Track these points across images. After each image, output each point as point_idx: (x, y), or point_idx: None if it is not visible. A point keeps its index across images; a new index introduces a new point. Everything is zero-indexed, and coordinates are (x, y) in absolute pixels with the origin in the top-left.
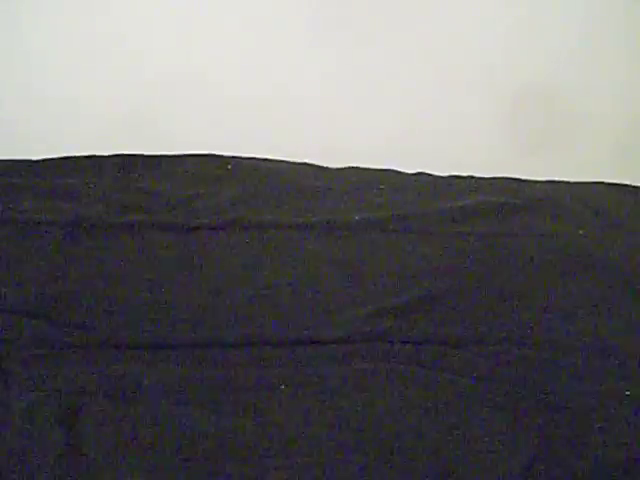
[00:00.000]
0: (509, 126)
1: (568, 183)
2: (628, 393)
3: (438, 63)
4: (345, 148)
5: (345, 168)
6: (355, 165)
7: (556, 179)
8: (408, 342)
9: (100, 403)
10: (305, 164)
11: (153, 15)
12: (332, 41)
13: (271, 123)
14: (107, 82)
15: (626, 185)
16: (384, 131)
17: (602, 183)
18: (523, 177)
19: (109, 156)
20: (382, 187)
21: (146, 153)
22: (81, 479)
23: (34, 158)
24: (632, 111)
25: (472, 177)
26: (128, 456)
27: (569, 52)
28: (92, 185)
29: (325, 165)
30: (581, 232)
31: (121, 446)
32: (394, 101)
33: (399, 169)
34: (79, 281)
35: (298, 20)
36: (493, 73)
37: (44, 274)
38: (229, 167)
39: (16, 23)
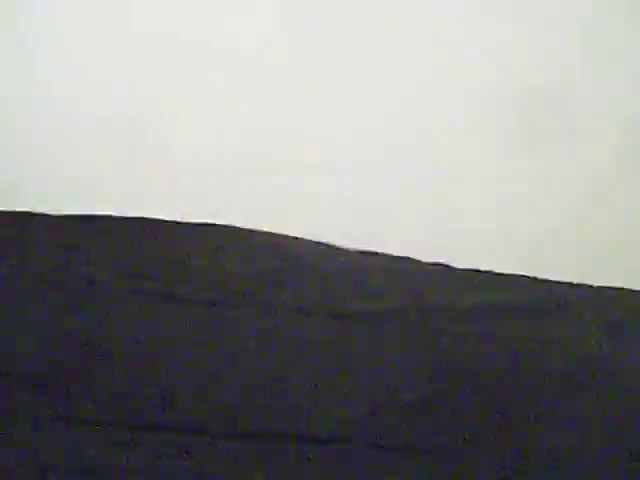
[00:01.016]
0: (510, 126)
1: (585, 286)
2: None
3: (438, 63)
4: (345, 149)
5: (366, 252)
6: (374, 250)
7: (578, 282)
8: (393, 449)
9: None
10: (321, 244)
11: (154, 17)
12: (332, 42)
13: (267, 131)
14: (105, 90)
15: None
16: (384, 131)
17: (621, 289)
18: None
19: (128, 218)
20: (398, 276)
21: (166, 218)
22: None
23: (52, 213)
24: (632, 111)
25: (490, 272)
26: None
27: (570, 52)
28: (106, 248)
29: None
30: (600, 343)
31: None
32: (394, 101)
33: (416, 258)
34: (77, 350)
35: (301, 25)
36: (493, 73)
37: (45, 339)
38: (251, 243)
39: (9, 31)
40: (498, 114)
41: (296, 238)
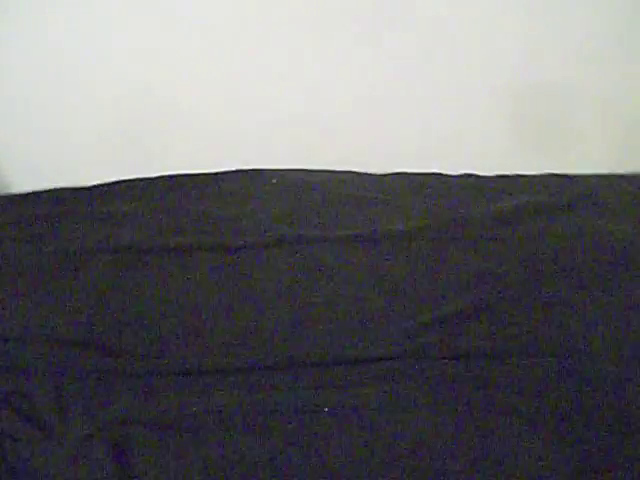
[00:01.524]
0: (511, 125)
1: (613, 175)
2: None
3: (439, 63)
4: (351, 150)
5: (389, 174)
6: (398, 170)
7: (602, 172)
8: (449, 358)
9: (151, 434)
10: (347, 172)
11: (154, 24)
12: (335, 41)
13: (277, 131)
14: (106, 100)
15: None
16: (387, 131)
17: None
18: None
19: (153, 178)
20: (426, 192)
21: (190, 172)
22: None
23: (85, 185)
24: (633, 111)
25: (518, 176)
26: None
27: (571, 52)
28: (138, 210)
29: (365, 171)
30: (628, 229)
31: (173, 475)
32: (395, 101)
33: (443, 172)
34: (127, 309)
35: (302, 23)
36: (495, 73)
37: (95, 303)
38: (274, 181)
39: (8, 45)
40: (500, 113)
41: (318, 171)
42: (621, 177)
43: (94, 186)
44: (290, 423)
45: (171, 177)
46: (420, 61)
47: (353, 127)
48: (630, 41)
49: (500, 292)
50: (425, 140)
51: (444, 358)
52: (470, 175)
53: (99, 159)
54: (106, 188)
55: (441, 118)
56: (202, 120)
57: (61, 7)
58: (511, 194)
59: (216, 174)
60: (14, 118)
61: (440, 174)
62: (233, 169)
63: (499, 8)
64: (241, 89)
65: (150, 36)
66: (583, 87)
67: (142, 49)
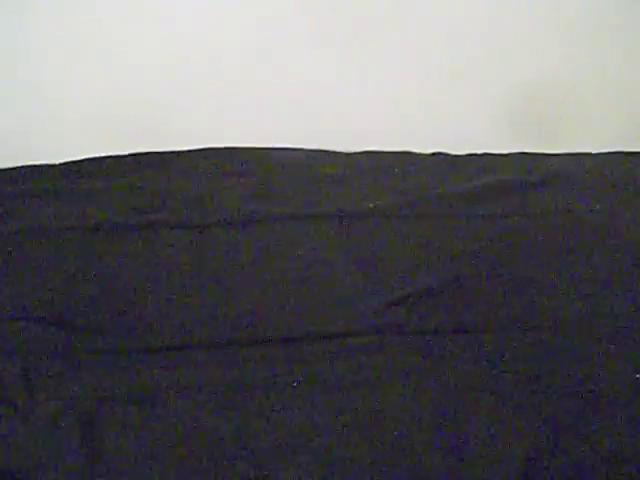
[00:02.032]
0: (510, 125)
1: (584, 154)
2: (639, 376)
3: (439, 62)
4: (349, 140)
5: (359, 152)
6: (370, 149)
7: (572, 151)
8: (419, 333)
9: (120, 408)
10: (319, 151)
11: (156, 11)
12: (335, 39)
13: (276, 113)
14: (106, 79)
15: None
16: (385, 131)
17: (620, 152)
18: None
19: (124, 156)
20: (397, 171)
21: (160, 150)
22: None
23: (53, 162)
24: (633, 111)
25: (488, 154)
26: (148, 460)
27: (570, 52)
28: (108, 187)
29: (339, 150)
30: (597, 207)
31: (141, 450)
32: (393, 100)
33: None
34: (98, 286)
35: (303, 11)
36: (494, 72)
37: (63, 280)
38: (244, 160)
39: (15, 23)
40: (498, 114)
41: (289, 148)
42: (591, 156)
43: (63, 163)
44: (259, 398)
45: (141, 155)
46: (420, 61)
47: (350, 127)
48: (630, 41)
49: (471, 269)
50: (425, 140)
51: (414, 334)
52: (441, 154)
53: (98, 137)
54: (75, 165)
55: (441, 118)
56: (203, 103)
57: None
58: (482, 172)
59: (186, 152)
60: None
61: (410, 152)
62: (203, 147)
63: (499, 8)
64: (241, 74)
65: (150, 33)
66: (583, 87)
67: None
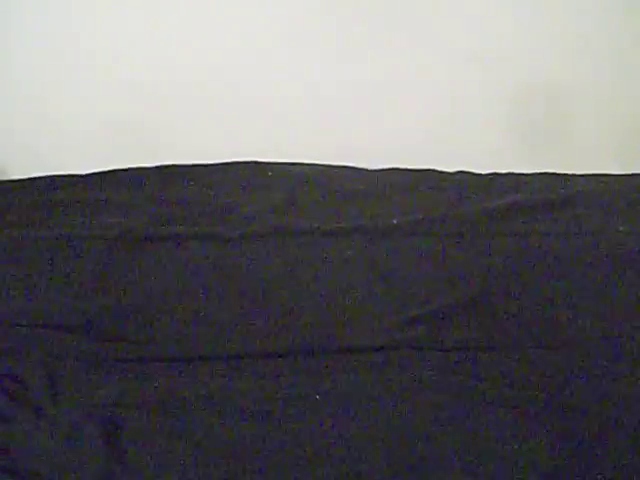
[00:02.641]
0: (510, 125)
1: (607, 176)
2: None
3: (439, 63)
4: (352, 149)
5: (384, 169)
6: (394, 166)
7: (597, 172)
8: (439, 350)
9: (142, 416)
10: (343, 167)
11: (155, 20)
12: (341, 45)
13: (287, 126)
14: (107, 91)
15: None
16: (387, 131)
17: None
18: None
19: (149, 168)
20: (420, 188)
21: (187, 163)
22: None
23: (80, 173)
24: (632, 111)
25: (512, 174)
26: (169, 468)
27: (570, 52)
28: (133, 198)
29: (363, 167)
30: (621, 229)
31: (162, 458)
32: (395, 101)
33: (439, 169)
34: (121, 295)
35: (311, 21)
36: (495, 73)
37: (88, 289)
38: (270, 174)
39: (12, 33)
40: (499, 114)
41: (313, 164)
42: (614, 178)
43: (89, 174)
44: (279, 410)
45: (167, 167)
46: (419, 61)
47: (352, 125)
48: (630, 41)
49: (491, 287)
50: (424, 140)
51: (433, 350)
52: (464, 172)
53: (99, 150)
54: (101, 176)
55: (441, 118)
56: (203, 113)
57: None
58: (505, 192)
59: (212, 165)
60: (15, 105)
61: (435, 170)
62: (229, 161)
63: (499, 8)
64: (243, 84)
65: (150, 45)
66: (583, 87)
67: (143, 42)
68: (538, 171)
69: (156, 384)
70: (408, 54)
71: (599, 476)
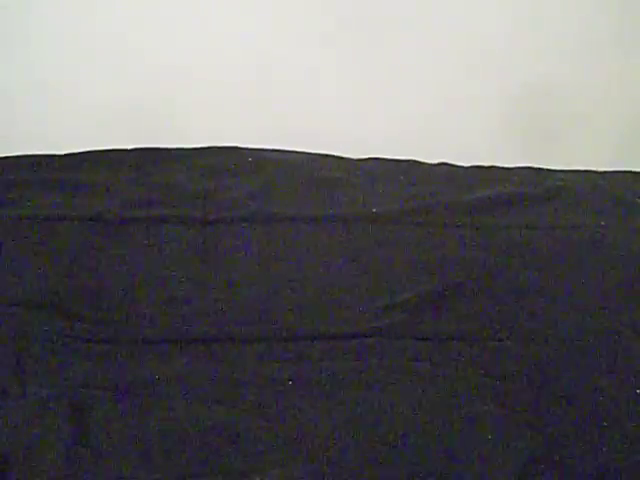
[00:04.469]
0: (509, 125)
1: (590, 172)
2: (639, 391)
3: (439, 63)
4: (352, 144)
5: (365, 159)
6: (376, 156)
7: (579, 168)
8: (417, 338)
9: (110, 398)
10: (325, 155)
11: (156, 8)
12: (341, 40)
13: (280, 116)
14: (108, 77)
15: None
16: (384, 131)
17: (627, 172)
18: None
19: (129, 150)
20: (402, 178)
21: (165, 146)
22: (89, 471)
23: (56, 153)
24: (632, 111)
25: (494, 167)
26: (136, 449)
27: (570, 52)
28: (111, 180)
29: (345, 156)
30: (603, 223)
31: (129, 439)
32: (394, 100)
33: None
34: (95, 276)
35: (309, 13)
36: (495, 73)
37: (61, 269)
38: (249, 160)
39: (20, 21)
40: (499, 113)
41: (296, 151)
42: (596, 174)
43: (67, 154)
44: (253, 394)
45: (146, 150)
46: (419, 61)
47: (348, 124)
48: (630, 41)
49: (470, 277)
50: (424, 139)
51: (411, 338)
52: (446, 164)
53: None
54: (78, 157)
55: (441, 118)
56: (202, 99)
57: None
58: (486, 184)
59: (192, 149)
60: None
61: (416, 161)
62: (208, 145)
63: (499, 8)
64: (239, 74)
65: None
66: (583, 87)
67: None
68: (521, 165)
69: (126, 366)
70: (408, 53)
71: (579, 469)
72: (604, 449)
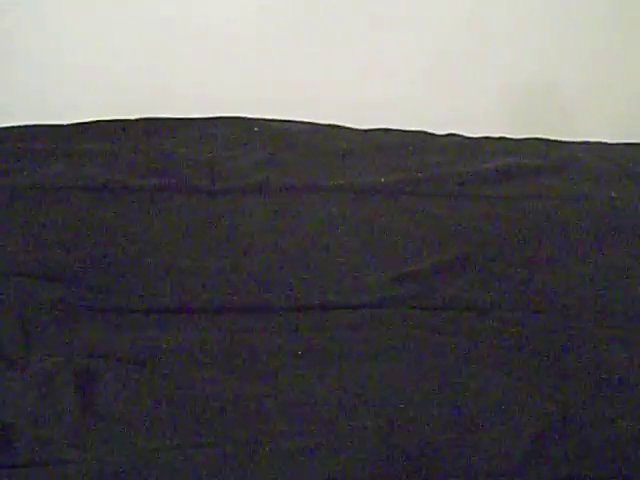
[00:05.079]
0: (510, 125)
1: (600, 144)
2: None
3: (439, 63)
4: None
5: (373, 130)
6: (384, 127)
7: (589, 140)
8: (428, 308)
9: (117, 367)
10: (334, 125)
11: None
12: (328, 43)
13: (283, 85)
14: (109, 43)
15: None
16: (386, 113)
17: (637, 144)
18: None
19: (135, 120)
20: (411, 148)
21: (172, 116)
22: (96, 440)
23: (61, 123)
24: (632, 111)
25: (503, 138)
26: (143, 418)
27: (570, 52)
28: (117, 149)
29: (353, 126)
30: (613, 194)
31: (137, 408)
32: (395, 100)
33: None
34: (101, 245)
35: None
36: (495, 73)
37: (67, 239)
38: (256, 129)
39: None
40: (498, 114)
41: (301, 122)
42: (606, 145)
43: (72, 124)
44: (260, 364)
45: (151, 120)
46: (419, 61)
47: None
48: (630, 41)
49: (482, 248)
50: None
51: (420, 308)
52: (455, 135)
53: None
54: (83, 127)
55: (441, 118)
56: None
57: None
58: (497, 155)
59: (197, 119)
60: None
61: (425, 132)
62: (214, 115)
63: (499, 8)
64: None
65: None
66: (583, 87)
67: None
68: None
69: (133, 335)
70: (408, 52)
71: (591, 438)
72: (618, 419)
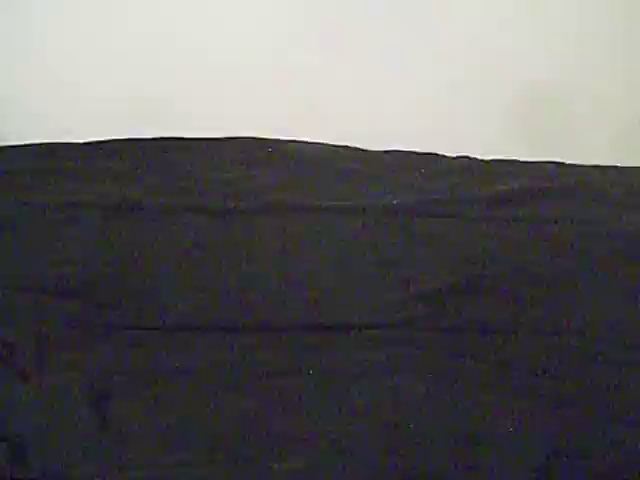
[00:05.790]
0: (510, 125)
1: (613, 167)
2: None
3: (439, 63)
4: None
5: (385, 151)
6: (396, 148)
7: (601, 164)
8: (438, 330)
9: (130, 385)
10: (346, 147)
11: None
12: (347, 37)
13: (288, 107)
14: (118, 66)
15: None
16: (385, 132)
17: None
18: None
19: (151, 139)
20: (422, 170)
21: (187, 136)
22: (109, 457)
23: (78, 141)
24: (632, 111)
25: (515, 161)
26: (155, 436)
27: (570, 52)
28: (133, 168)
29: (365, 148)
30: (624, 218)
31: (149, 426)
32: (395, 100)
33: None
34: (115, 263)
35: (316, 11)
36: (495, 73)
37: (82, 256)
38: (269, 150)
39: (27, 7)
40: (498, 114)
41: (314, 143)
42: (617, 169)
43: (88, 143)
44: (272, 384)
45: (166, 139)
46: (420, 61)
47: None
48: (629, 41)
49: (494, 270)
50: (424, 139)
51: (432, 330)
52: (466, 157)
53: (112, 118)
54: (100, 145)
55: (440, 118)
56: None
57: None
58: (507, 178)
59: (212, 139)
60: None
61: (436, 154)
62: (228, 136)
63: (499, 8)
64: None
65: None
66: (583, 87)
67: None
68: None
69: (146, 353)
70: (407, 53)
71: (603, 461)
72: (628, 442)
